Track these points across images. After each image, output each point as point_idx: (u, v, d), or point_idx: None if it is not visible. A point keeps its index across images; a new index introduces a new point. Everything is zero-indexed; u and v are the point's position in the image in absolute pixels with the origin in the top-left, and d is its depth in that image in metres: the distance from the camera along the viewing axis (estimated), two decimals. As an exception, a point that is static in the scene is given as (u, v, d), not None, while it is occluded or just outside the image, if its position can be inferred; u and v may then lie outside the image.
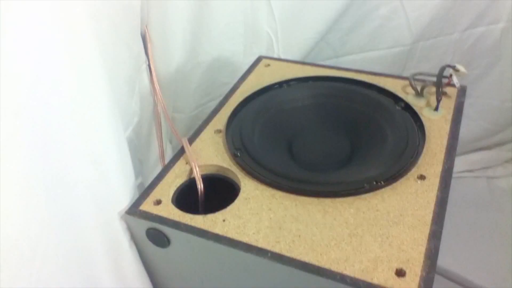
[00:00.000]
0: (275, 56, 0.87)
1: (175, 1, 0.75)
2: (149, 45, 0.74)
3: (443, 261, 0.82)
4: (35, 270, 0.41)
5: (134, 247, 0.53)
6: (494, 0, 0.81)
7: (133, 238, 0.52)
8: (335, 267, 0.42)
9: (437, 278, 0.79)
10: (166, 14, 0.76)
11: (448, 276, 0.81)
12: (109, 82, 0.52)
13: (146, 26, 0.74)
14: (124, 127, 0.64)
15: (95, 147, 0.49)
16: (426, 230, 0.44)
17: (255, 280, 0.47)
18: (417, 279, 0.40)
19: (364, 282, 0.40)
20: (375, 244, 0.44)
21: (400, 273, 0.41)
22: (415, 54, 0.87)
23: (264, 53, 0.87)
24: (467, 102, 0.89)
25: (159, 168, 0.83)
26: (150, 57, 0.75)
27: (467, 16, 0.83)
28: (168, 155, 0.88)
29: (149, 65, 0.75)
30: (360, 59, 0.88)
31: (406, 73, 0.90)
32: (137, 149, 0.73)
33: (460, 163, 1.00)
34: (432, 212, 0.46)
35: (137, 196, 0.53)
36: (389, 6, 0.82)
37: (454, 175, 0.97)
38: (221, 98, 0.91)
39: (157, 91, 0.76)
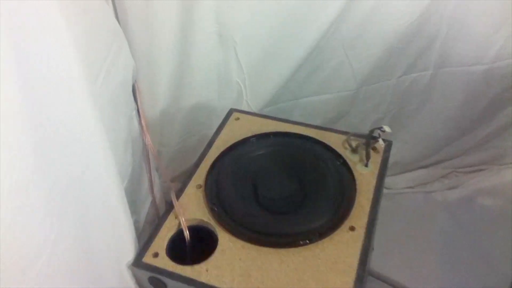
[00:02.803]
0: (244, 100, 1.02)
1: (160, 60, 0.90)
2: (138, 96, 0.89)
3: (384, 266, 1.01)
4: None
5: (139, 289, 0.70)
6: (422, 53, 0.97)
7: (138, 282, 0.69)
8: (287, 306, 0.59)
9: (377, 283, 0.98)
10: (152, 70, 0.90)
11: (388, 282, 0.99)
12: (110, 149, 0.67)
13: (135, 81, 0.89)
14: (122, 181, 0.80)
15: (107, 213, 0.65)
16: (353, 274, 0.62)
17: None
18: (344, 314, 0.58)
19: (307, 317, 0.58)
20: (316, 287, 0.61)
21: (332, 309, 0.59)
22: (359, 96, 1.03)
23: (235, 98, 1.03)
24: (406, 131, 1.08)
25: (149, 200, 0.99)
26: (139, 105, 0.89)
27: (402, 66, 0.99)
28: (156, 184, 1.03)
29: (138, 111, 0.90)
30: (314, 100, 1.03)
31: (352, 111, 1.07)
32: (132, 193, 0.89)
33: (402, 180, 1.18)
34: (358, 260, 0.63)
35: (137, 245, 0.70)
36: (337, 60, 0.97)
37: (396, 191, 1.17)
38: (199, 134, 1.07)
39: (146, 132, 0.90)
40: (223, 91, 1.01)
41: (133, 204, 0.89)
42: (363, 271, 0.63)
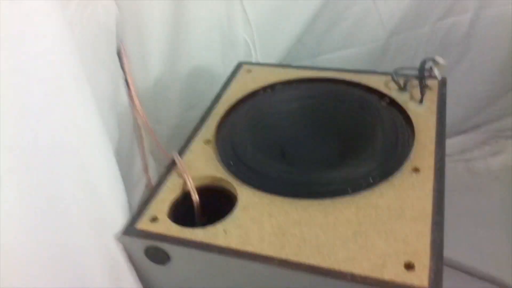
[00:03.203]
0: (254, 61, 0.87)
1: (150, 14, 0.74)
2: (125, 60, 0.73)
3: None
4: None
5: (132, 267, 0.52)
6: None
7: (131, 257, 0.51)
8: (344, 267, 0.42)
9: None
10: (141, 28, 0.75)
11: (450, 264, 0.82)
12: (94, 105, 0.51)
13: (121, 41, 0.73)
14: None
15: (86, 171, 0.48)
16: (428, 221, 0.45)
17: (263, 288, 0.46)
18: (426, 271, 0.40)
19: (375, 279, 0.40)
20: (380, 240, 0.44)
21: (409, 266, 0.41)
22: (389, 49, 0.88)
23: (242, 59, 0.87)
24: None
25: (143, 182, 0.82)
26: (127, 72, 0.74)
27: (437, 9, 0.85)
28: (152, 168, 0.86)
29: (126, 80, 0.74)
30: (336, 57, 0.88)
31: (382, 67, 0.91)
32: (119, 167, 0.72)
33: (437, 149, 1.02)
34: (431, 203, 0.46)
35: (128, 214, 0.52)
36: (362, 5, 0.82)
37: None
38: (201, 105, 0.90)
39: (137, 105, 0.75)
40: (227, 51, 0.85)
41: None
42: (441, 217, 0.45)
